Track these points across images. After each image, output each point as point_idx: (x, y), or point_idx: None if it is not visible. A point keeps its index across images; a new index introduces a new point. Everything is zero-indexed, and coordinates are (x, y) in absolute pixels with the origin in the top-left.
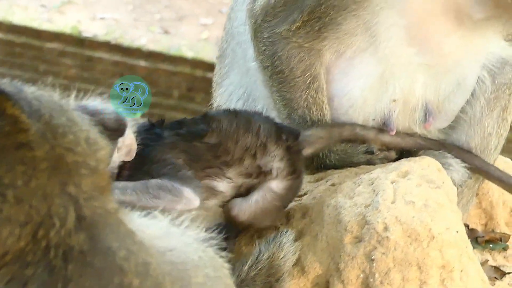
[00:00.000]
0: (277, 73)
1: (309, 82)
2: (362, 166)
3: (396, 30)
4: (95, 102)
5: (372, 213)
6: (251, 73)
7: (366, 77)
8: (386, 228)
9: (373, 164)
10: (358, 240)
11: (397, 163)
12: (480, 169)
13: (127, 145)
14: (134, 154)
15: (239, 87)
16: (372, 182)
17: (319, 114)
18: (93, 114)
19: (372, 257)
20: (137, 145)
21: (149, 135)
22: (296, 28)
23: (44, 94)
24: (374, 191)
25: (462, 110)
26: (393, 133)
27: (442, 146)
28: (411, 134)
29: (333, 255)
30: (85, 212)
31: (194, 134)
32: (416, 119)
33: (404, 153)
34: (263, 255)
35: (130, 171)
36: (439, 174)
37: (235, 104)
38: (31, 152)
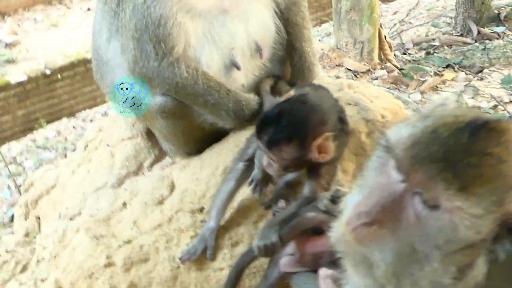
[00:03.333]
0: (175, 87)
1: (195, 75)
2: None
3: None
4: None
5: (368, 113)
6: None
7: (207, 45)
8: (383, 116)
9: None
10: (370, 132)
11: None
12: None
13: None
14: None
15: None
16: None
17: (218, 86)
18: None
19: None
20: None
21: None
22: (156, 55)
23: None
24: (354, 101)
25: (279, 43)
26: (241, 69)
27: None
28: None
29: (356, 152)
30: None
31: None
32: (253, 55)
33: None
34: None
35: None
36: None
37: None
38: None
